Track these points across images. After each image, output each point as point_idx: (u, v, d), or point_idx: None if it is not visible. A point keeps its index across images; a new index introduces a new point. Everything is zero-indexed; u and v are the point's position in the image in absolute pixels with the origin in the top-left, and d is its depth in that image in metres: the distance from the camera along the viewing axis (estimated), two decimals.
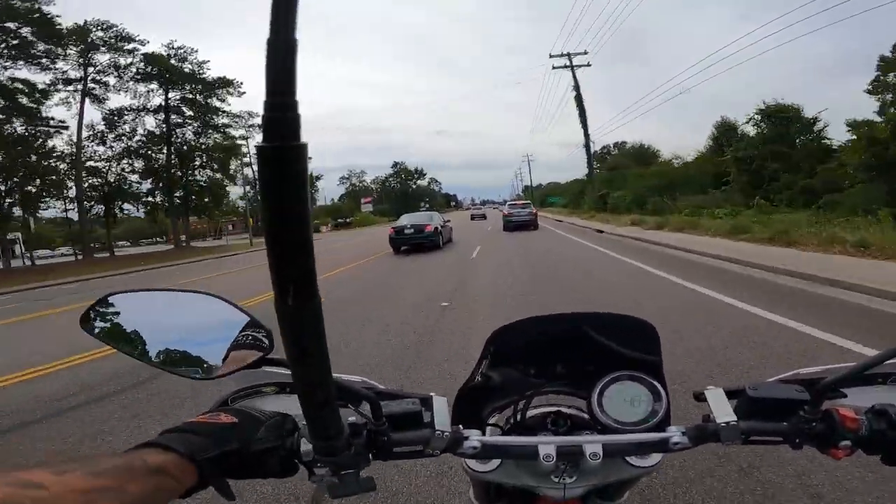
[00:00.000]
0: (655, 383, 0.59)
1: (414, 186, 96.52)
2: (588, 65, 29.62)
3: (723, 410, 0.51)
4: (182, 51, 31.65)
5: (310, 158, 0.29)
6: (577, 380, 0.64)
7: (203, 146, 34.57)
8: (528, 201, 26.04)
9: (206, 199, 35.10)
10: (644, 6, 27.76)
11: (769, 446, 0.52)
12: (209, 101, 33.67)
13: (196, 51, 32.24)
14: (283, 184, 0.26)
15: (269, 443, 0.45)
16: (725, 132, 24.11)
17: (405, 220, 14.85)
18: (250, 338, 0.51)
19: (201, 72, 32.62)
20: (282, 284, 0.28)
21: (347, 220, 62.14)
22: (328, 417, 0.38)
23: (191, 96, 32.95)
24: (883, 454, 0.48)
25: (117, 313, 0.52)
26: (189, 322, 0.52)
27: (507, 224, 20.61)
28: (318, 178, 64.75)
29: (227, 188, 37.43)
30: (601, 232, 16.91)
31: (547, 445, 0.51)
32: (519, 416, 0.65)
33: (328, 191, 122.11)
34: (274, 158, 0.25)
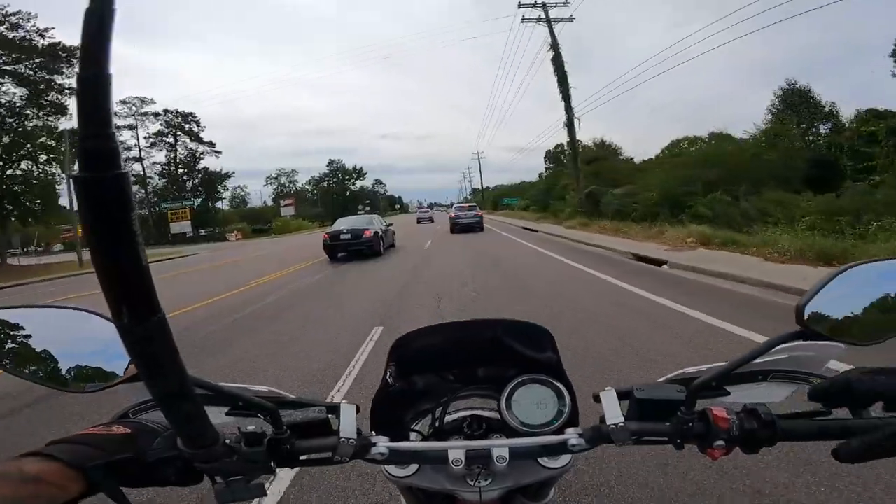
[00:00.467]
0: (559, 385, 0.62)
1: (353, 188, 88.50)
2: (571, 18, 20.70)
3: (613, 412, 0.53)
4: (16, 17, 23.22)
5: (136, 185, 0.26)
6: (496, 384, 0.66)
7: (27, 130, 24.72)
8: (475, 204, 26.39)
9: (30, 203, 25.38)
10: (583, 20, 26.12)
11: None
12: (45, 73, 24.31)
13: (35, 16, 24.04)
14: (104, 211, 0.26)
15: (166, 452, 0.45)
16: (801, 102, 16.67)
17: (342, 224, 13.47)
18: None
19: (35, 40, 23.70)
20: (115, 305, 0.29)
21: (266, 225, 54.81)
22: (196, 427, 0.38)
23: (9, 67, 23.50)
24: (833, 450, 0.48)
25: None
26: (70, 338, 0.51)
27: (454, 226, 21.06)
28: (227, 175, 55.60)
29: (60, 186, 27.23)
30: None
31: (456, 450, 0.53)
32: (437, 422, 0.66)
33: (262, 193, 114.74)
34: (93, 188, 0.26)
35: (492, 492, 0.57)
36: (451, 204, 34.04)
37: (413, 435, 0.67)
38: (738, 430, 0.48)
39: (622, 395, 0.55)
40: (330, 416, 0.53)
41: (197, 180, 54.34)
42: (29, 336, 0.50)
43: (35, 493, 0.36)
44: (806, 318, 0.46)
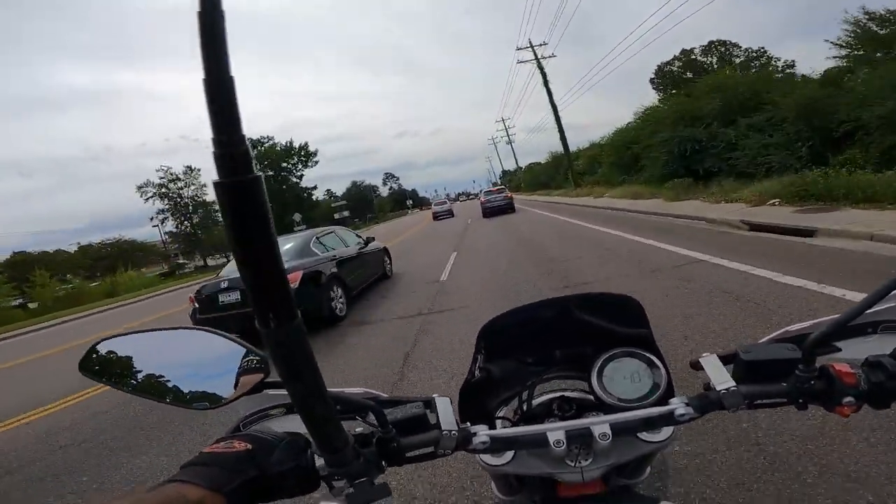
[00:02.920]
0: (651, 356, 0.60)
1: (295, 180, 54.72)
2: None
3: (720, 377, 0.51)
4: None
5: None
6: (576, 363, 0.65)
7: None
8: (503, 187, 26.52)
9: None
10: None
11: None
12: None
13: None
14: (243, 216, 0.27)
15: (286, 464, 0.46)
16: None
17: (227, 272, 6.21)
18: (251, 363, 0.52)
19: None
20: (261, 311, 0.30)
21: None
22: (331, 430, 0.39)
23: None
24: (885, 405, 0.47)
25: (114, 355, 0.53)
26: (186, 357, 0.53)
27: (486, 211, 21.21)
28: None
29: None
30: None
31: (555, 431, 0.52)
32: (525, 406, 0.65)
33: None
34: (231, 193, 0.26)
35: (594, 471, 0.56)
36: (481, 191, 31.71)
37: (499, 423, 0.67)
38: (865, 384, 0.45)
39: (725, 359, 0.53)
40: (426, 410, 0.53)
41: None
42: (148, 359, 0.53)
43: None
44: None
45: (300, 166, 55.70)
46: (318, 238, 6.64)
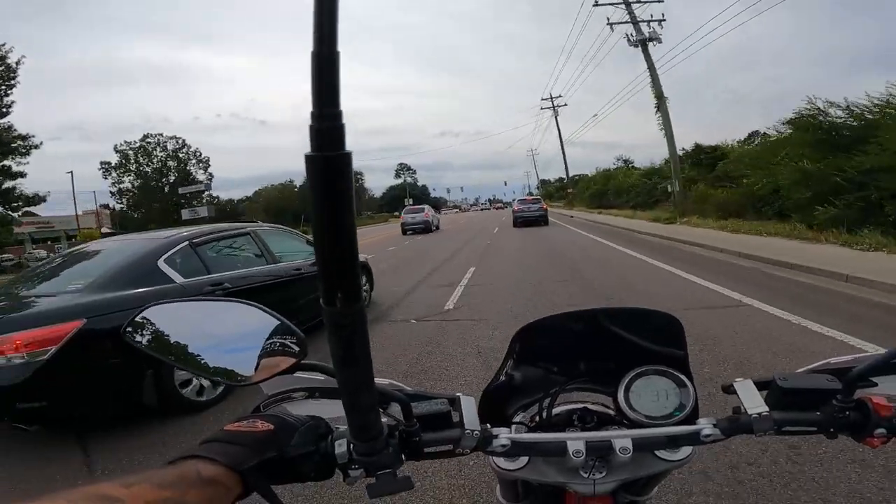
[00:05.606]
0: (682, 376, 0.60)
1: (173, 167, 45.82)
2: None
3: (754, 402, 0.51)
4: None
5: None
6: (600, 376, 0.64)
7: None
8: (539, 198, 25.72)
9: None
10: None
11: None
12: None
13: None
14: (332, 192, 0.27)
15: (305, 448, 0.46)
16: None
17: None
18: (278, 344, 0.52)
19: None
20: (329, 290, 0.29)
21: None
22: (372, 419, 0.39)
23: None
24: None
25: (155, 324, 0.54)
26: (224, 329, 0.53)
27: (517, 220, 20.80)
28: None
29: None
30: None
31: (576, 441, 0.52)
32: (545, 414, 0.65)
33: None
34: (324, 167, 0.26)
35: (606, 484, 0.56)
36: (514, 199, 30.96)
37: (515, 427, 0.66)
38: None
39: (760, 385, 0.53)
40: (450, 408, 0.53)
41: None
42: (189, 328, 0.53)
43: (212, 496, 0.37)
44: None
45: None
46: (192, 245, 3.53)
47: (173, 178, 46.90)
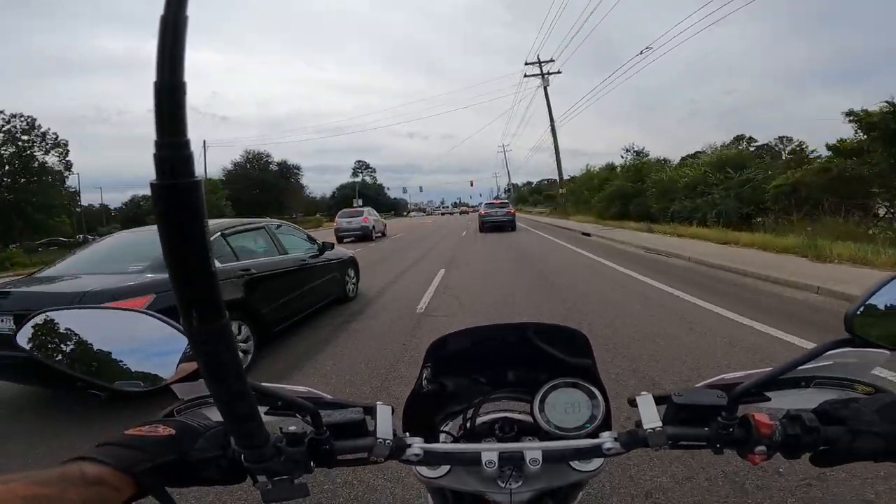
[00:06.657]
0: (593, 389, 0.61)
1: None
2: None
3: (650, 416, 0.52)
4: None
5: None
6: (526, 386, 0.66)
7: None
8: (507, 201, 24.70)
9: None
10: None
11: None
12: None
13: None
14: (178, 217, 0.27)
15: (209, 452, 0.46)
16: None
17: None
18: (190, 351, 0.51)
19: None
20: (185, 309, 0.30)
21: None
22: (252, 428, 0.39)
23: None
24: (812, 456, 0.50)
25: (53, 330, 0.51)
26: (125, 338, 0.52)
27: (484, 224, 20.11)
28: None
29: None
30: None
31: (489, 452, 0.53)
32: (469, 423, 0.66)
33: None
34: (168, 195, 0.27)
35: (522, 494, 0.57)
36: (480, 203, 26.67)
37: (443, 436, 0.68)
38: (780, 435, 0.48)
39: (659, 400, 0.54)
40: (366, 416, 0.54)
41: None
42: (84, 336, 0.51)
43: (97, 495, 0.38)
44: (855, 325, 0.46)
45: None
46: (223, 236, 4.06)
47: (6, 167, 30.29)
